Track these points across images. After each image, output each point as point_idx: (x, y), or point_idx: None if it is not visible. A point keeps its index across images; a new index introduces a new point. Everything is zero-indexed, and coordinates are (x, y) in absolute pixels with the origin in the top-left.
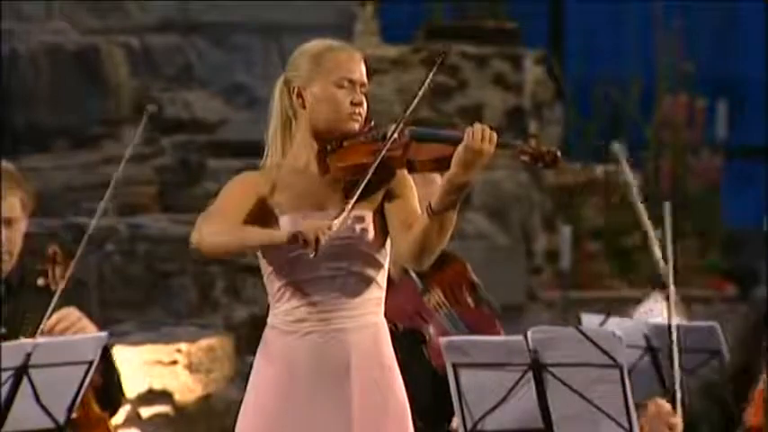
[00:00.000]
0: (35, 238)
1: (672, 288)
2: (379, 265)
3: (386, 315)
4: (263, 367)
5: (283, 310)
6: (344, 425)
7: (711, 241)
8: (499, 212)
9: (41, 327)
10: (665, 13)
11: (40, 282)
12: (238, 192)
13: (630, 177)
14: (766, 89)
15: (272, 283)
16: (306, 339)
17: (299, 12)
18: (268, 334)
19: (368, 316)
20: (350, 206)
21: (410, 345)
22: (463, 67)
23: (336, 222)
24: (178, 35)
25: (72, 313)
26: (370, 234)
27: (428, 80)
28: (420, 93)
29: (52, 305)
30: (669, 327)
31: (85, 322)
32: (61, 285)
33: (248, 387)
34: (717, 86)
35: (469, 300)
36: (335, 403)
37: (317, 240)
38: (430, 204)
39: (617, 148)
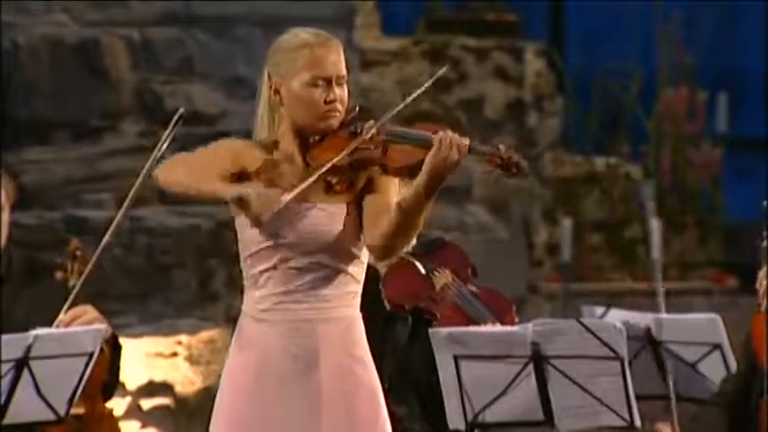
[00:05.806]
0: (33, 230)
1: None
2: (353, 258)
3: (391, 299)
4: (236, 353)
5: (255, 297)
6: (314, 411)
7: (712, 234)
8: (500, 205)
9: (56, 321)
10: (666, 5)
11: (58, 275)
12: (219, 152)
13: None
14: (767, 82)
15: (247, 270)
16: (276, 327)
17: (300, 4)
18: (242, 321)
19: (340, 309)
20: (298, 190)
21: (415, 325)
22: (464, 59)
23: (285, 199)
24: (179, 28)
25: (88, 312)
26: (339, 227)
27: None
28: (399, 107)
29: (69, 300)
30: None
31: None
32: (79, 281)
33: (223, 372)
34: (717, 79)
35: (474, 281)
36: (305, 389)
37: (259, 215)
38: (400, 201)
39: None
